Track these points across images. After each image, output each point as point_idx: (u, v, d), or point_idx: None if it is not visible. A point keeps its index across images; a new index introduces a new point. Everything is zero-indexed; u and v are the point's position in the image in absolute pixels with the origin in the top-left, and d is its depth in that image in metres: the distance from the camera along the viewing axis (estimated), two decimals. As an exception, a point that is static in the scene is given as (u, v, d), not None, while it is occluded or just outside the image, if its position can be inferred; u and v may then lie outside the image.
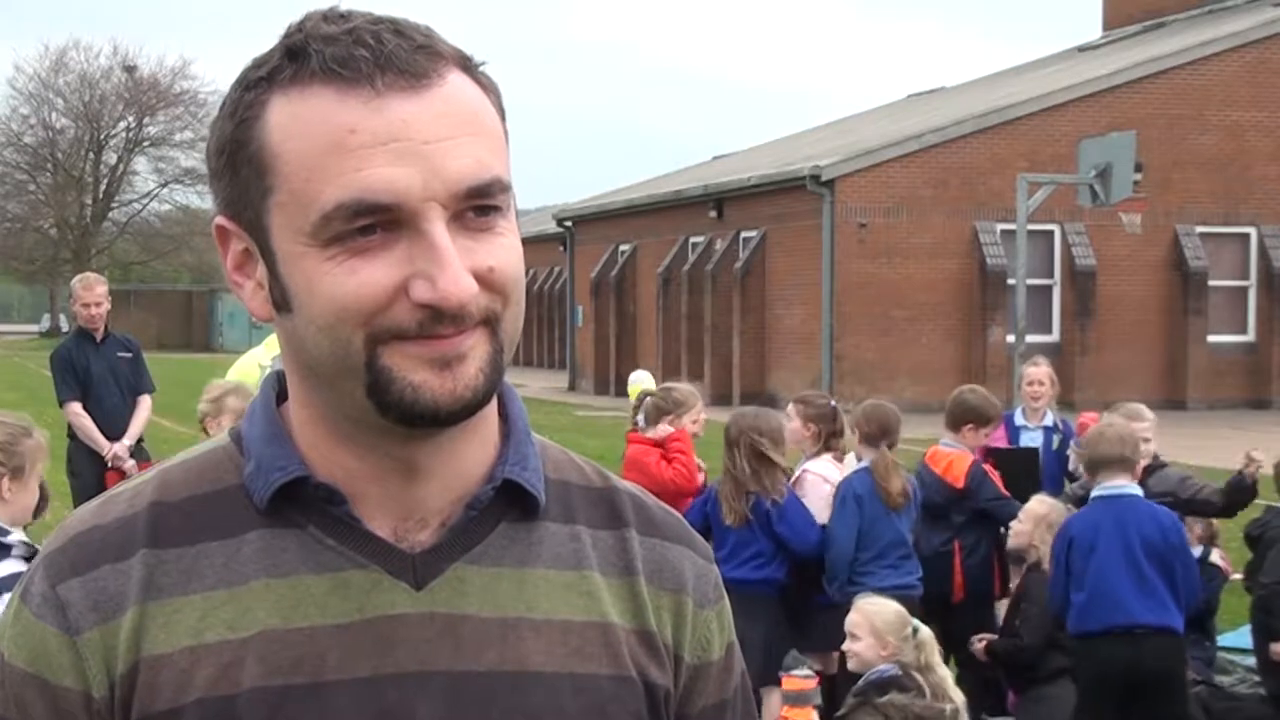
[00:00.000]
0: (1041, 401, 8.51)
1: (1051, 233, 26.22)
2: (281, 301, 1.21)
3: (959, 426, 7.41)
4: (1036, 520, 6.51)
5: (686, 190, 31.15)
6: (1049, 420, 8.54)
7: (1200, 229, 26.92)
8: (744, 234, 28.62)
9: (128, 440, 9.38)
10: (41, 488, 4.37)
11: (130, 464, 9.17)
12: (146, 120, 63.38)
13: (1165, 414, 10.48)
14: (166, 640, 1.20)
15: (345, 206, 1.14)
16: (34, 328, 77.56)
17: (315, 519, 1.23)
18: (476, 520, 1.26)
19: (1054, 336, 26.10)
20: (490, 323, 1.19)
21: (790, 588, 6.65)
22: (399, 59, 1.16)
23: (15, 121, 62.50)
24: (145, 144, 63.94)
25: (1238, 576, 8.19)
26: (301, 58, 1.17)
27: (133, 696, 1.19)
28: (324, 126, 1.16)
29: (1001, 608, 7.05)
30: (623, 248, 33.46)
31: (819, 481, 6.91)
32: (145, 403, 9.73)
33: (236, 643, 1.19)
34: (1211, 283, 26.79)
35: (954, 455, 7.30)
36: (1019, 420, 8.60)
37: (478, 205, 1.18)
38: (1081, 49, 36.12)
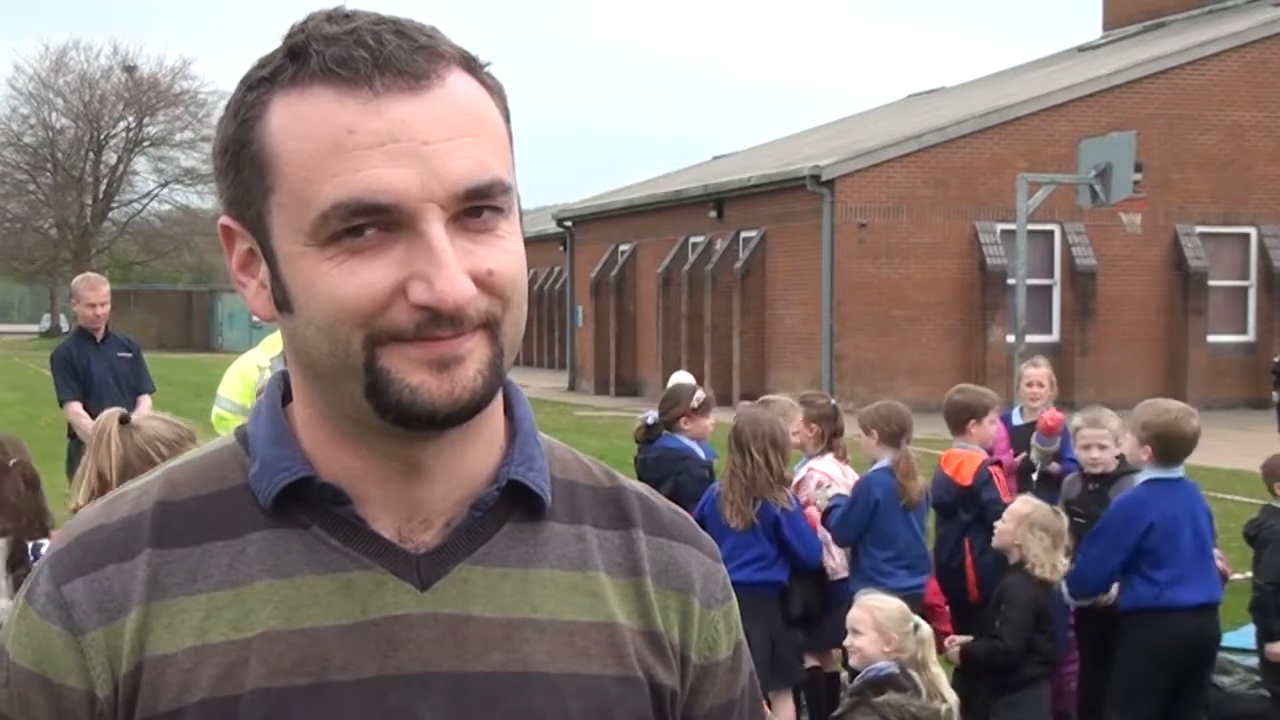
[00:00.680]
0: (1040, 402, 8.54)
1: (1051, 233, 26.22)
2: (283, 301, 1.21)
3: (962, 427, 7.45)
4: (1019, 520, 6.50)
5: (686, 190, 31.14)
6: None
7: (1200, 229, 26.91)
8: (744, 234, 28.62)
9: None
10: None
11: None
12: (146, 120, 63.38)
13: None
14: (170, 640, 1.20)
15: (343, 206, 1.14)
16: (34, 328, 77.54)
17: (320, 519, 1.23)
18: (481, 521, 1.26)
19: (1054, 336, 26.10)
20: (490, 326, 1.18)
21: (791, 589, 6.65)
22: (398, 59, 1.16)
23: (15, 121, 62.55)
24: (145, 144, 63.94)
25: (1238, 576, 8.19)
26: (302, 58, 1.17)
27: (136, 696, 1.19)
28: (323, 127, 1.15)
29: None
30: (623, 248, 33.45)
31: (824, 480, 6.96)
32: (146, 403, 9.72)
33: (240, 643, 1.19)
34: (1211, 283, 26.79)
35: (965, 456, 7.35)
36: (1017, 420, 8.65)
37: (478, 207, 1.17)
38: (1081, 49, 36.11)
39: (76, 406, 9.33)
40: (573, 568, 1.29)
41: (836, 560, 7.08)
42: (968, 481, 7.19)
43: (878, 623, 5.32)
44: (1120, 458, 6.97)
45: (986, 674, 6.37)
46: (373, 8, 1.22)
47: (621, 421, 21.49)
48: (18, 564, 4.57)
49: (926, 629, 5.33)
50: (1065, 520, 6.51)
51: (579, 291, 35.46)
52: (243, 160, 1.20)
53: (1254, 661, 7.23)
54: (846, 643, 5.47)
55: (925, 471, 7.20)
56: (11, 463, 4.81)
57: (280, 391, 1.30)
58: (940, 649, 6.54)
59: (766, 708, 6.68)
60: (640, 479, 6.96)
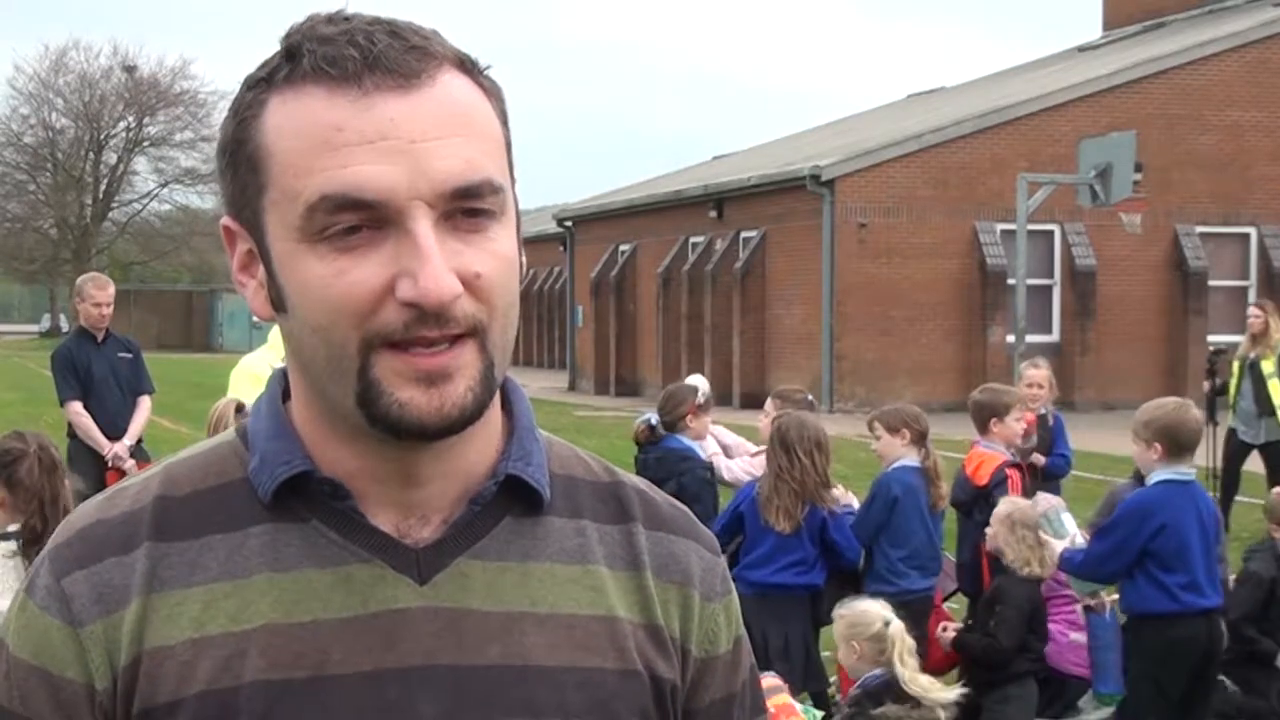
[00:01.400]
0: (1039, 403, 8.56)
1: (1051, 233, 26.21)
2: (278, 301, 1.22)
3: (985, 426, 7.46)
4: (1000, 521, 6.53)
5: (686, 190, 31.13)
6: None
7: (1200, 229, 26.90)
8: (744, 234, 28.61)
9: (128, 440, 9.39)
10: None
11: (130, 464, 9.17)
12: (146, 120, 63.35)
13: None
14: (169, 632, 1.20)
15: (329, 199, 1.15)
16: (34, 328, 77.51)
17: (319, 513, 1.24)
18: (480, 515, 1.26)
19: (1054, 336, 26.09)
20: (478, 334, 1.18)
21: (824, 592, 6.65)
22: (388, 58, 1.16)
23: (15, 121, 62.50)
24: (145, 144, 63.90)
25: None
26: (296, 58, 1.18)
27: (135, 688, 1.20)
28: (313, 125, 1.16)
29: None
30: (623, 248, 33.44)
31: None
32: (145, 403, 9.74)
33: (239, 635, 1.20)
34: (1211, 283, 26.78)
35: (986, 456, 7.38)
36: None
37: (468, 208, 1.17)
38: (1081, 49, 36.10)
39: (77, 406, 9.33)
40: (572, 561, 1.29)
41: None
42: (983, 482, 7.21)
43: (842, 634, 5.31)
44: None
45: (979, 669, 6.42)
46: (373, 10, 1.23)
47: (621, 422, 21.48)
48: (30, 548, 4.60)
49: (898, 624, 5.28)
50: (1051, 500, 6.57)
51: (579, 291, 35.45)
52: (239, 159, 1.21)
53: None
54: (838, 658, 5.48)
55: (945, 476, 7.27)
56: (33, 447, 4.84)
57: (280, 388, 1.31)
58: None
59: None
60: (641, 480, 6.87)
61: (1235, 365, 12.81)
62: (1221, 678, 6.92)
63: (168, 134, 63.78)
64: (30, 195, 63.74)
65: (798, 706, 5.24)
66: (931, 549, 6.93)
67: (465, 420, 1.19)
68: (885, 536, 6.81)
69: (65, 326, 62.46)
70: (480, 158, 1.18)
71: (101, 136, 63.14)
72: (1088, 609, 7.01)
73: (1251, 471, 12.69)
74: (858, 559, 6.68)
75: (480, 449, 1.27)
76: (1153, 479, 6.21)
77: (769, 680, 5.51)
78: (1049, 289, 26.47)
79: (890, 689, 5.10)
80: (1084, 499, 11.90)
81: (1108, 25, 37.23)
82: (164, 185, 64.29)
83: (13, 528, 4.67)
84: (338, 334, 1.17)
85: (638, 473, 7.37)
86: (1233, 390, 12.63)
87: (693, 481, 7.08)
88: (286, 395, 1.31)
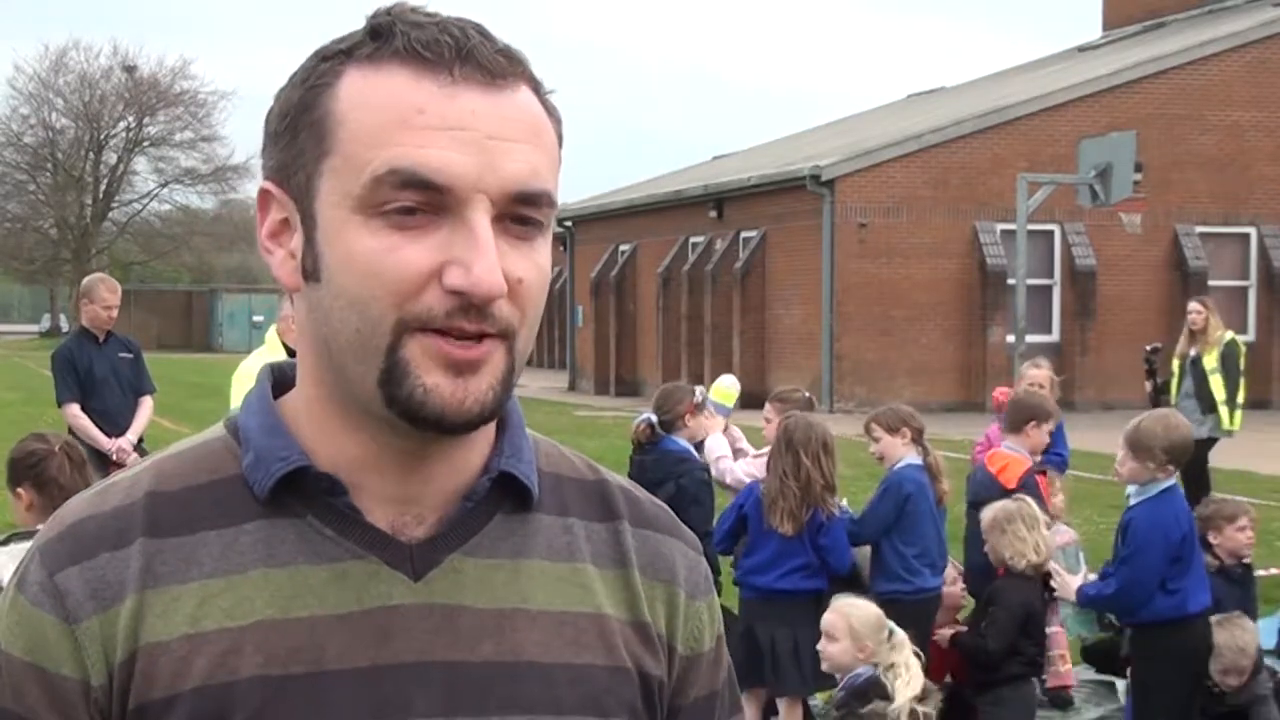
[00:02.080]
0: (1039, 404, 8.55)
1: (1051, 233, 26.22)
2: (312, 270, 1.22)
3: (1021, 426, 7.40)
4: (988, 530, 6.54)
5: (686, 190, 31.15)
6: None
7: (1200, 229, 26.91)
8: (744, 234, 28.62)
9: (131, 436, 9.39)
10: None
11: (133, 457, 9.18)
12: (146, 120, 63.38)
13: (1165, 414, 10.53)
14: (164, 628, 1.20)
15: (398, 173, 1.16)
16: (34, 328, 77.52)
17: (314, 509, 1.24)
18: (472, 512, 1.27)
19: (1054, 336, 26.10)
20: (508, 337, 1.20)
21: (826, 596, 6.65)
22: (480, 54, 1.19)
23: (15, 121, 62.52)
24: (145, 144, 63.93)
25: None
26: (386, 37, 1.20)
27: (130, 684, 1.20)
28: (394, 101, 1.18)
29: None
30: (623, 248, 33.45)
31: None
32: (148, 403, 9.74)
33: (235, 631, 1.20)
34: (1211, 283, 26.75)
35: (1012, 458, 7.33)
36: None
37: (522, 215, 1.20)
38: (1081, 49, 36.11)
39: (74, 409, 9.32)
40: (561, 559, 1.30)
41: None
42: (1012, 484, 7.14)
43: (852, 629, 5.26)
44: None
45: (973, 670, 6.43)
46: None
47: (621, 422, 21.47)
48: None
49: (901, 634, 5.28)
50: (1025, 500, 6.56)
51: (579, 291, 35.47)
52: (302, 124, 1.22)
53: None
54: (820, 647, 5.43)
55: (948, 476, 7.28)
56: (58, 446, 4.85)
57: (270, 383, 1.32)
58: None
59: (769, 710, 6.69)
60: (638, 481, 6.95)
61: (1175, 363, 12.81)
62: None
63: (168, 134, 63.84)
64: (30, 195, 63.75)
65: None
66: (940, 547, 6.95)
67: (483, 418, 1.21)
68: (896, 534, 6.79)
69: (65, 326, 62.48)
70: (544, 170, 1.21)
71: (101, 136, 63.16)
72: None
73: (1252, 471, 12.70)
74: (844, 567, 6.64)
75: (476, 445, 1.28)
76: (1153, 491, 6.11)
77: None
78: (1049, 289, 26.47)
79: (876, 687, 5.10)
80: (1084, 499, 11.93)
81: (1108, 25, 37.24)
82: (164, 185, 64.40)
83: (40, 527, 4.68)
84: (375, 309, 1.17)
85: (634, 474, 7.42)
86: (1175, 389, 12.62)
87: (692, 483, 7.06)
88: (277, 390, 1.31)
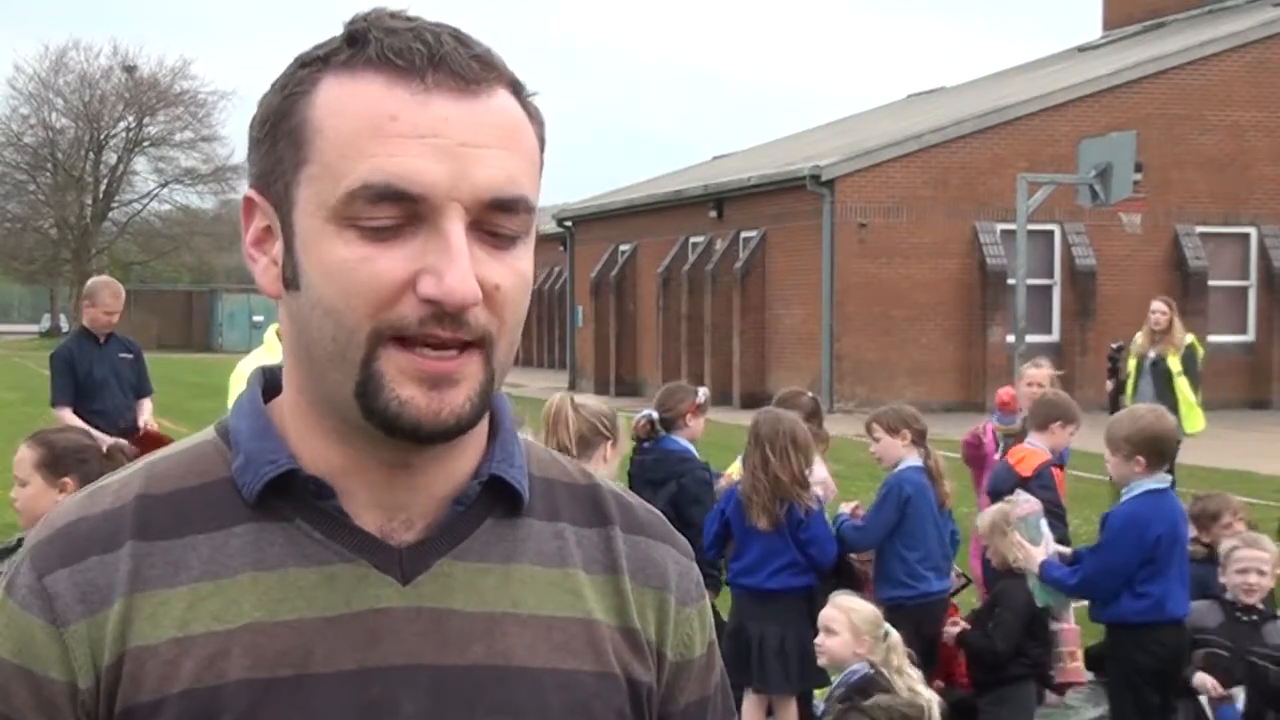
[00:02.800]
0: (1037, 404, 8.57)
1: (1051, 233, 26.22)
2: (292, 279, 1.22)
3: (1047, 425, 7.48)
4: (987, 534, 6.55)
5: (686, 190, 31.15)
6: None
7: (1200, 229, 26.91)
8: (744, 234, 28.62)
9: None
10: None
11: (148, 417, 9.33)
12: (146, 120, 63.33)
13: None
14: (153, 631, 1.20)
15: (371, 187, 1.16)
16: (34, 328, 77.48)
17: (303, 513, 1.24)
18: (462, 516, 1.27)
19: (1054, 336, 26.09)
20: (485, 346, 1.20)
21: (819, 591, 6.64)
22: (453, 60, 1.19)
23: (15, 121, 62.46)
24: (145, 144, 63.89)
25: None
26: (361, 44, 1.20)
27: (118, 687, 1.19)
28: (367, 109, 1.18)
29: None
30: (623, 248, 33.46)
31: (817, 472, 6.97)
32: (147, 405, 9.75)
33: (223, 634, 1.20)
34: (1211, 283, 26.78)
35: (1030, 451, 7.40)
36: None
37: (499, 222, 1.19)
38: (1081, 49, 36.11)
39: (67, 413, 9.27)
40: (551, 564, 1.30)
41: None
42: (1028, 473, 7.21)
43: (853, 624, 5.29)
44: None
45: (977, 669, 6.45)
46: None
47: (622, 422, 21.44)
48: None
49: (895, 635, 5.32)
50: (1016, 500, 6.54)
51: (579, 291, 35.47)
52: (280, 132, 1.22)
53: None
54: (817, 641, 5.44)
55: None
56: (106, 447, 4.82)
57: (261, 385, 1.31)
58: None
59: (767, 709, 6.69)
60: (638, 481, 6.94)
61: (1132, 363, 12.65)
62: None
63: (168, 134, 63.79)
64: (30, 195, 63.72)
65: None
66: (943, 549, 6.95)
67: (460, 429, 1.21)
68: (899, 539, 6.79)
69: (65, 326, 62.45)
70: (521, 175, 1.21)
71: (101, 136, 63.12)
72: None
73: (1252, 471, 12.68)
74: (828, 560, 6.63)
75: (467, 450, 1.28)
76: (1138, 490, 6.06)
77: None
78: (1049, 289, 26.47)
79: (874, 684, 5.13)
80: (1084, 499, 11.90)
81: (1108, 25, 37.24)
82: (164, 185, 64.35)
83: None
84: (350, 319, 1.17)
85: (635, 473, 7.40)
86: (1129, 389, 12.45)
87: (693, 482, 7.06)
88: (268, 393, 1.31)
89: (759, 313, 27.92)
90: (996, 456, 8.29)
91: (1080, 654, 7.55)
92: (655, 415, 7.39)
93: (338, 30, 1.24)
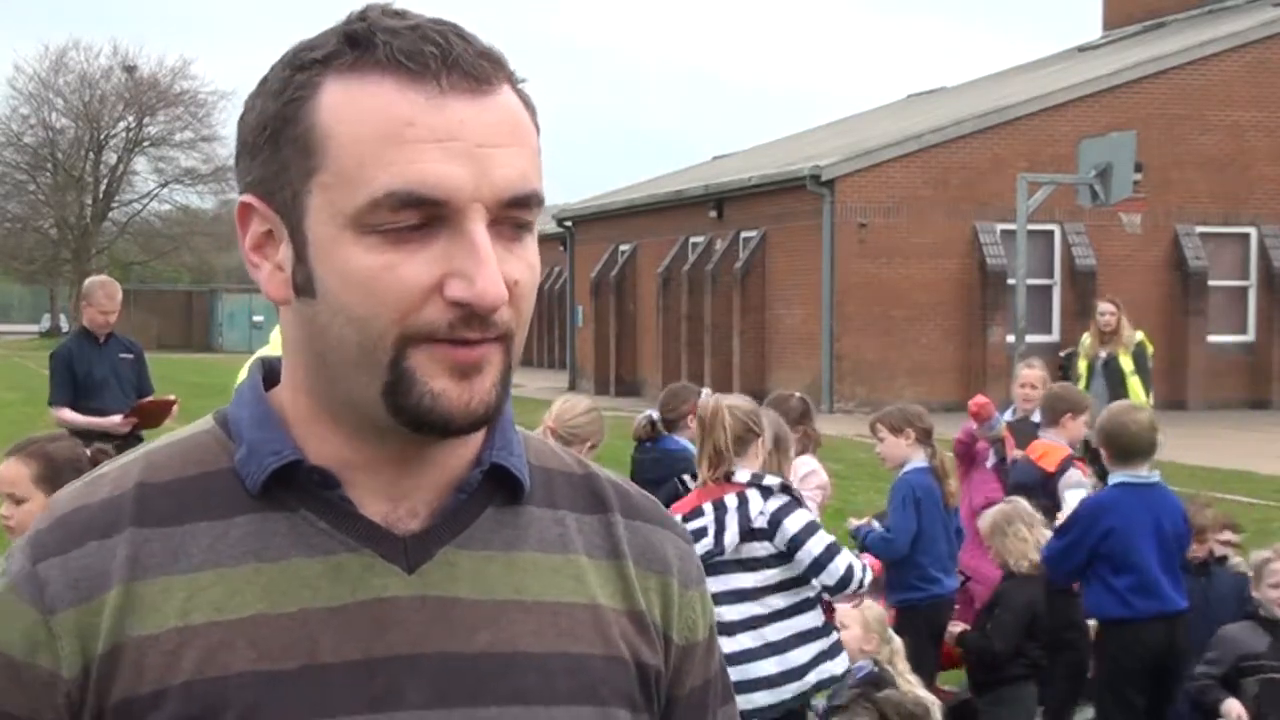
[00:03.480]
0: (1033, 404, 8.59)
1: (1051, 233, 26.23)
2: (304, 286, 1.21)
3: (1058, 419, 7.54)
4: (989, 534, 6.58)
5: (686, 190, 31.15)
6: (1037, 420, 8.62)
7: (1200, 229, 26.92)
8: (744, 234, 28.63)
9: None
10: None
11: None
12: (146, 120, 63.34)
13: (1165, 414, 10.51)
14: (153, 620, 1.19)
15: (396, 195, 1.15)
16: (34, 328, 77.47)
17: (308, 503, 1.24)
18: (465, 505, 1.27)
19: (1054, 336, 26.07)
20: (507, 339, 1.21)
21: None
22: (465, 61, 1.18)
23: (15, 121, 62.47)
24: (145, 144, 63.89)
25: None
26: (366, 46, 1.18)
27: (114, 677, 1.18)
28: (382, 115, 1.16)
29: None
30: (623, 248, 33.46)
31: (815, 476, 6.96)
32: (146, 406, 9.73)
33: (225, 625, 1.19)
34: (1211, 283, 26.79)
35: (1051, 446, 7.45)
36: (1009, 419, 8.70)
37: (514, 218, 1.20)
38: (1081, 49, 36.11)
39: (65, 413, 9.26)
40: (554, 550, 1.30)
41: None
42: (1051, 469, 7.26)
43: (866, 620, 5.43)
44: None
45: (976, 669, 6.49)
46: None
47: (622, 421, 21.44)
48: None
49: (898, 640, 5.44)
50: (1018, 501, 6.58)
51: (579, 291, 35.47)
52: (284, 139, 1.20)
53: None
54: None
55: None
56: (91, 452, 4.74)
57: (261, 375, 1.31)
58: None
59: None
60: (638, 479, 6.98)
61: (1083, 365, 12.70)
62: None
63: (168, 134, 63.80)
64: (30, 195, 63.72)
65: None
66: (950, 548, 6.98)
67: (487, 418, 1.21)
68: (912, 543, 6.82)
69: (65, 326, 62.47)
70: (531, 170, 1.21)
71: (101, 136, 63.13)
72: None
73: (1252, 471, 12.69)
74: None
75: (468, 439, 1.27)
76: (1113, 480, 6.27)
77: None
78: (1049, 289, 26.48)
79: (883, 680, 5.22)
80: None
81: (1108, 25, 37.24)
82: (164, 185, 64.36)
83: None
84: (377, 326, 1.17)
85: (634, 471, 7.42)
86: (1082, 390, 12.49)
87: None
88: (268, 382, 1.30)
89: (759, 313, 27.92)
90: (991, 456, 8.31)
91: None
92: (656, 416, 7.42)
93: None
